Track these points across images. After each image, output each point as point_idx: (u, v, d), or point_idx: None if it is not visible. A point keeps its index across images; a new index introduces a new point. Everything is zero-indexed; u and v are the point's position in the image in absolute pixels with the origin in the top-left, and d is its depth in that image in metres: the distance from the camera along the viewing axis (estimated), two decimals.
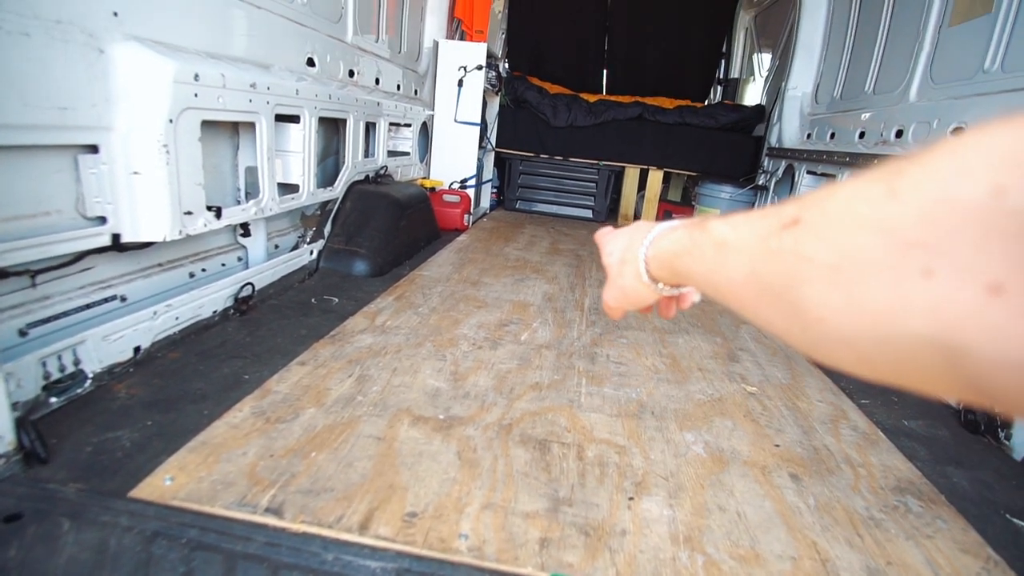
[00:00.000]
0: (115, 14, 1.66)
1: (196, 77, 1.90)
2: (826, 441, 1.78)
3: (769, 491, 1.48)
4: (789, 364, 2.42)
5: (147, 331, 1.86)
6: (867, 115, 3.54)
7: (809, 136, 4.40)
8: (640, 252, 0.59)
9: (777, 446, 1.72)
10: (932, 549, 1.32)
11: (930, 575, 1.23)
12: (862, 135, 3.53)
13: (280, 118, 2.54)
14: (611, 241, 0.68)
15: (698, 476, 1.52)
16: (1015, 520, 1.49)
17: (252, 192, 2.49)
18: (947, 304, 0.25)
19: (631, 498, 1.40)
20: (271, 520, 1.21)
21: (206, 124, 1.99)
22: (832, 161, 3.81)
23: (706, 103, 7.02)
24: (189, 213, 1.94)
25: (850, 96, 3.95)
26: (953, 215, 0.25)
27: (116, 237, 1.77)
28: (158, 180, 1.80)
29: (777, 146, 4.87)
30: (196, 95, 1.91)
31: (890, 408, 2.11)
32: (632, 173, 6.09)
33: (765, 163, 5.18)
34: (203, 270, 2.30)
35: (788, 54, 4.81)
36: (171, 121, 1.81)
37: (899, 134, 3.10)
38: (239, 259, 2.54)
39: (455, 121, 5.00)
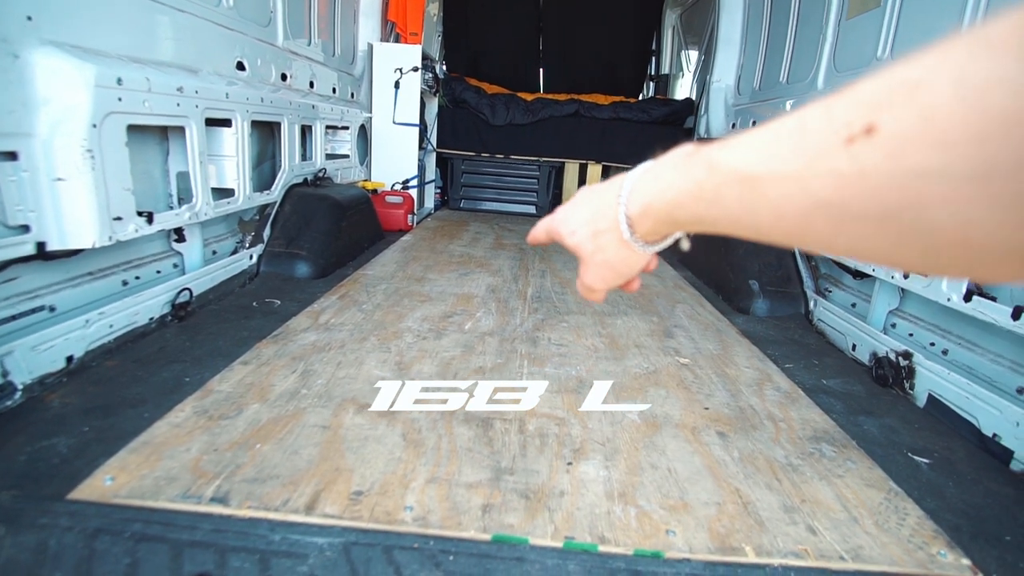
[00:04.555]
0: (29, 18, 1.63)
1: (119, 81, 1.88)
2: (751, 402, 1.90)
3: (698, 448, 1.59)
4: (720, 337, 2.55)
5: (80, 340, 1.83)
6: (789, 102, 3.74)
7: (734, 125, 4.62)
8: (620, 212, 0.50)
9: (707, 409, 1.83)
10: (841, 486, 1.45)
11: (839, 507, 1.36)
12: None
13: (212, 122, 2.52)
14: (567, 220, 0.57)
15: (633, 440, 1.61)
16: (915, 456, 1.64)
17: (185, 197, 2.46)
18: None
19: (570, 463, 1.47)
20: (217, 508, 1.23)
21: (133, 129, 1.97)
22: None
23: (639, 98, 7.26)
24: (119, 219, 1.92)
25: (768, 86, 4.17)
26: None
27: (41, 246, 1.74)
28: (84, 186, 1.78)
29: (705, 136, 5.08)
30: (120, 99, 1.89)
31: (811, 370, 2.27)
32: (572, 168, 6.23)
33: None
34: (137, 278, 2.26)
35: (711, 49, 5.03)
36: (95, 126, 1.79)
37: None
38: (175, 266, 2.50)
39: (394, 123, 5.01)
